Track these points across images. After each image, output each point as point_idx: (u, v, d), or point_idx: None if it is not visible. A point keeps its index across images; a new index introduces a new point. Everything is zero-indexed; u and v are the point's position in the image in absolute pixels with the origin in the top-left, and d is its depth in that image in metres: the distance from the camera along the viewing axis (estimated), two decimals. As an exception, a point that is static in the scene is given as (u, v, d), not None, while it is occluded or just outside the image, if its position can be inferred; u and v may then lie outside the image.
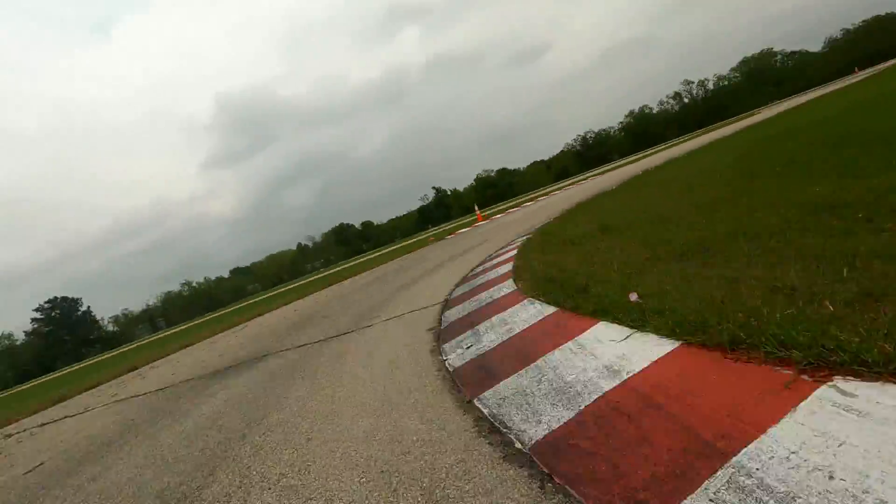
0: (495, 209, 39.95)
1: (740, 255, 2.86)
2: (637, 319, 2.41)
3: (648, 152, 56.30)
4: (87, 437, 5.36)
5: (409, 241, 38.47)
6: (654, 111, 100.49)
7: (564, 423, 1.86)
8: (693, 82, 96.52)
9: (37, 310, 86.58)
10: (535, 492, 1.51)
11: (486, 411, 2.26)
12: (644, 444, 1.52)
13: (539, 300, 3.65)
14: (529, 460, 1.71)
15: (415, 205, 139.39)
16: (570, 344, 2.60)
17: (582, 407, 1.93)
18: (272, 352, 6.36)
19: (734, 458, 1.29)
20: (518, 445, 1.84)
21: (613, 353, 2.26)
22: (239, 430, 3.35)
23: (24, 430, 8.20)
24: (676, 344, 2.05)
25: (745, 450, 1.31)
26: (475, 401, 2.42)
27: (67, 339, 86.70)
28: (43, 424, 8.14)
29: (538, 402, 2.13)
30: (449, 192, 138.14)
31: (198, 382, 6.26)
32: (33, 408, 11.11)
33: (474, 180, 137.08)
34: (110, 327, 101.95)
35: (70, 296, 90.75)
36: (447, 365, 3.20)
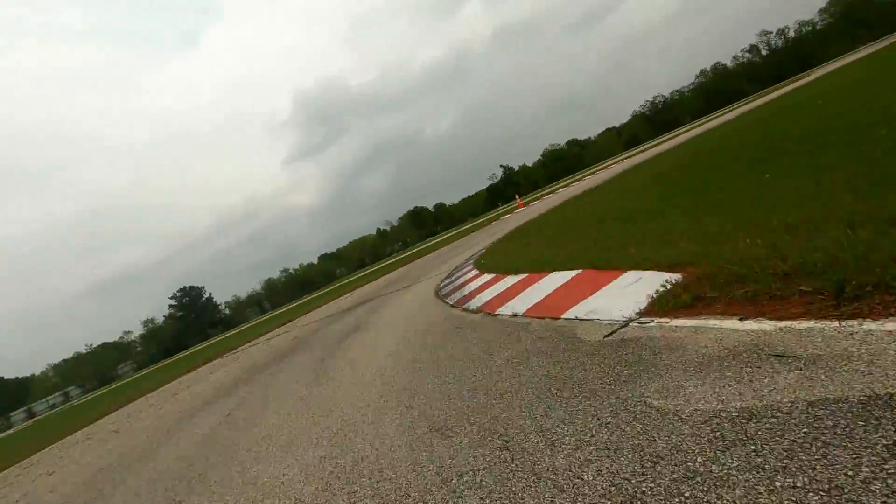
0: (538, 195, 42.98)
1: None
2: (510, 270, 6.61)
3: (721, 112, 54.78)
4: (267, 354, 10.57)
5: (468, 226, 42.83)
6: (729, 66, 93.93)
7: (461, 297, 6.20)
8: (771, 32, 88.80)
9: (172, 297, 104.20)
10: (452, 308, 5.90)
11: (448, 301, 6.65)
12: (486, 304, 5.84)
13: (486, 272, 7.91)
14: (451, 306, 6.09)
15: (484, 184, 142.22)
16: (496, 284, 6.84)
17: (467, 293, 6.24)
18: (371, 299, 11.23)
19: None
20: (449, 303, 6.23)
21: (504, 284, 6.50)
22: (356, 326, 8.05)
23: (231, 356, 14.03)
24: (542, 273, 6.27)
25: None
26: (447, 299, 6.83)
27: (196, 321, 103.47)
28: (237, 353, 13.89)
29: (458, 296, 6.47)
30: (517, 169, 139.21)
31: (331, 318, 11.28)
32: (219, 353, 17.34)
33: (542, 154, 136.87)
34: (226, 311, 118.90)
35: (194, 285, 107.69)
36: (441, 294, 7.61)
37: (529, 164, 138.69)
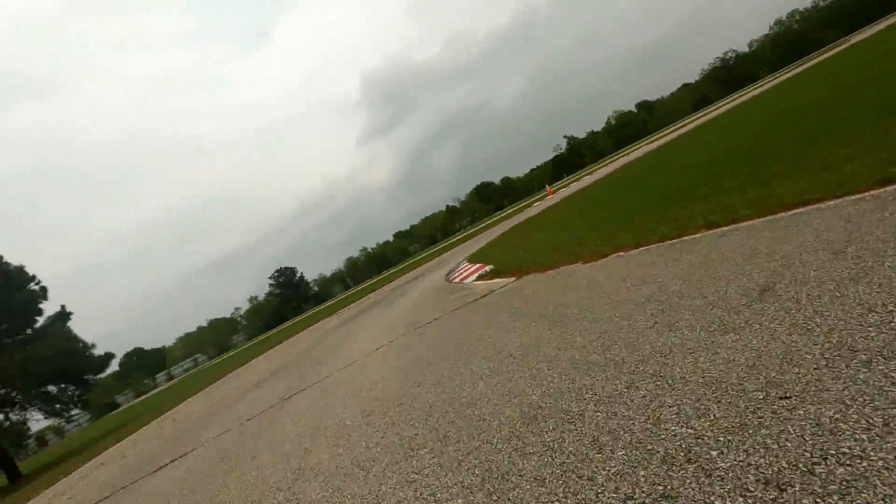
0: (570, 180, 46.14)
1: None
2: (473, 260, 12.18)
3: (795, 66, 52.83)
4: (356, 312, 16.96)
5: (517, 207, 47.33)
6: (807, 13, 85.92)
7: (452, 274, 11.91)
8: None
9: (270, 277, 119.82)
10: (448, 281, 11.66)
11: (448, 277, 12.40)
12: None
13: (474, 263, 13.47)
14: (447, 280, 11.84)
15: (550, 154, 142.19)
16: (466, 267, 12.46)
17: (456, 273, 11.92)
18: (427, 272, 17.28)
19: (459, 273, 11.30)
20: (448, 279, 12.00)
21: (467, 268, 12.12)
22: (410, 283, 14.04)
23: (335, 316, 20.92)
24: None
25: (460, 272, 11.28)
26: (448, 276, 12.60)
27: (292, 297, 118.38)
28: (339, 313, 20.71)
29: (451, 275, 12.20)
30: (584, 136, 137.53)
31: (397, 286, 17.48)
32: (328, 314, 24.46)
33: (607, 122, 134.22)
34: (315, 287, 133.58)
35: (288, 266, 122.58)
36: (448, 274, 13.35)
37: (597, 129, 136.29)
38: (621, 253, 5.24)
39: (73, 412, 31.20)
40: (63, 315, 32.23)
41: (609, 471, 1.77)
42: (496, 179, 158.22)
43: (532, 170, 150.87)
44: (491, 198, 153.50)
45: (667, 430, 1.84)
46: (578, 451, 2.00)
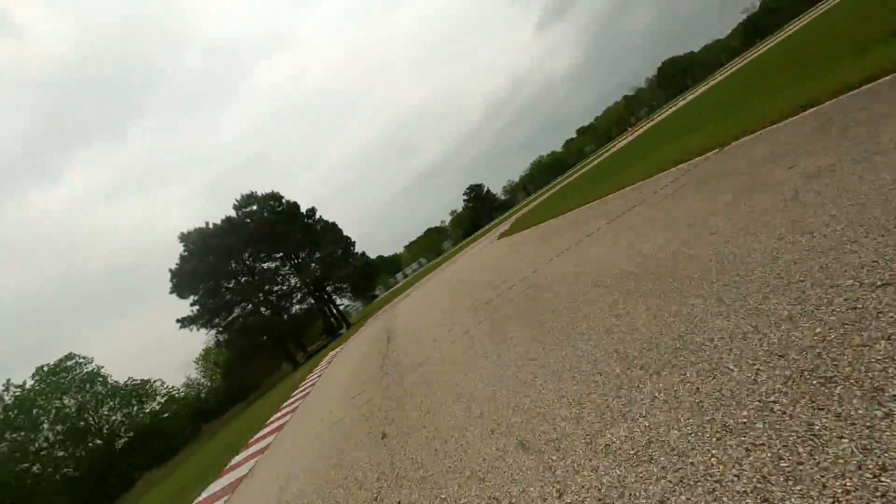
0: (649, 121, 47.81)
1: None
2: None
3: None
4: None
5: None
6: None
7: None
8: None
9: (464, 194, 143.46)
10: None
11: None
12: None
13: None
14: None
15: (738, 18, 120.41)
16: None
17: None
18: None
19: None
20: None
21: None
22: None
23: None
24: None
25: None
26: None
27: (482, 208, 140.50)
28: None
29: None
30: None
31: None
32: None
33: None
34: (502, 196, 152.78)
35: (476, 182, 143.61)
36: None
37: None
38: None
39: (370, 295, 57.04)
40: (352, 243, 56.58)
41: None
42: (682, 51, 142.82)
43: (715, 41, 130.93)
44: (671, 80, 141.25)
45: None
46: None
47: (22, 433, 34.07)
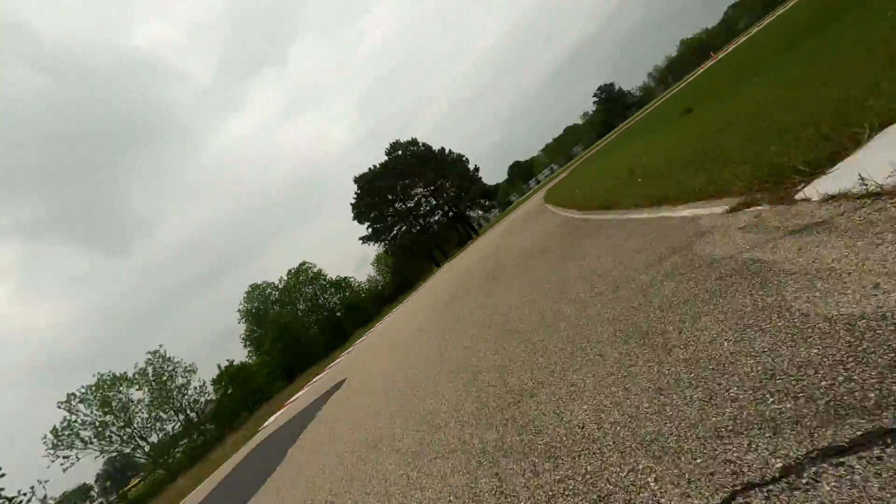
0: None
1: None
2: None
3: None
4: None
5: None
6: None
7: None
8: None
9: (594, 96, 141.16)
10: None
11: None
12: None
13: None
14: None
15: None
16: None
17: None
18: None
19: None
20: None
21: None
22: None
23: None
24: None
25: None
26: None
27: (614, 108, 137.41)
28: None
29: None
30: None
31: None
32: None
33: None
34: (638, 93, 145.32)
35: (606, 82, 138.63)
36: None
37: None
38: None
39: (493, 211, 71.31)
40: (476, 170, 70.00)
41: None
42: None
43: None
44: None
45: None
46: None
47: (288, 307, 59.04)
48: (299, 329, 54.18)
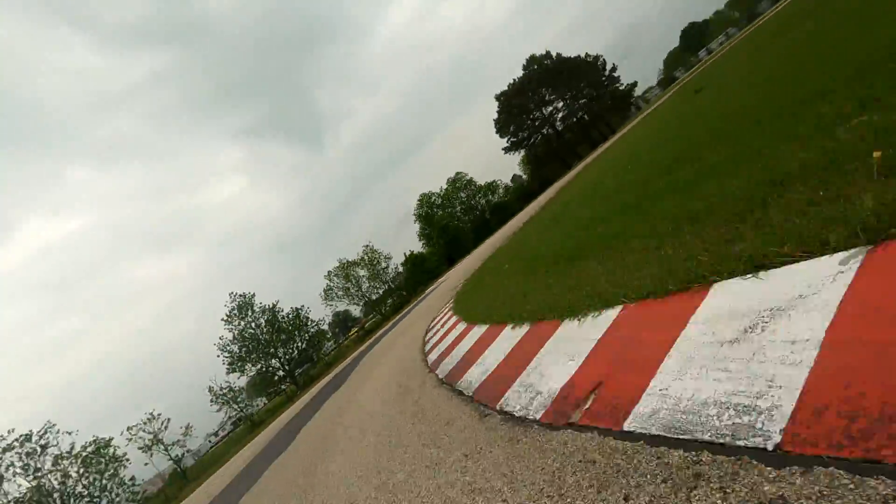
0: None
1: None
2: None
3: None
4: None
5: None
6: None
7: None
8: None
9: None
10: None
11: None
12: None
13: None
14: None
15: None
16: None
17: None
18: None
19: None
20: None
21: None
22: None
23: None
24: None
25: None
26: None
27: None
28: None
29: None
30: None
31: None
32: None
33: None
34: None
35: None
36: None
37: None
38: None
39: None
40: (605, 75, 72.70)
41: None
42: None
43: None
44: None
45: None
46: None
47: (448, 210, 76.42)
48: (456, 228, 71.43)
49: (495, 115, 75.43)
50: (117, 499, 32.86)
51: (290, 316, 49.65)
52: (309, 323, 51.07)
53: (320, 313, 59.85)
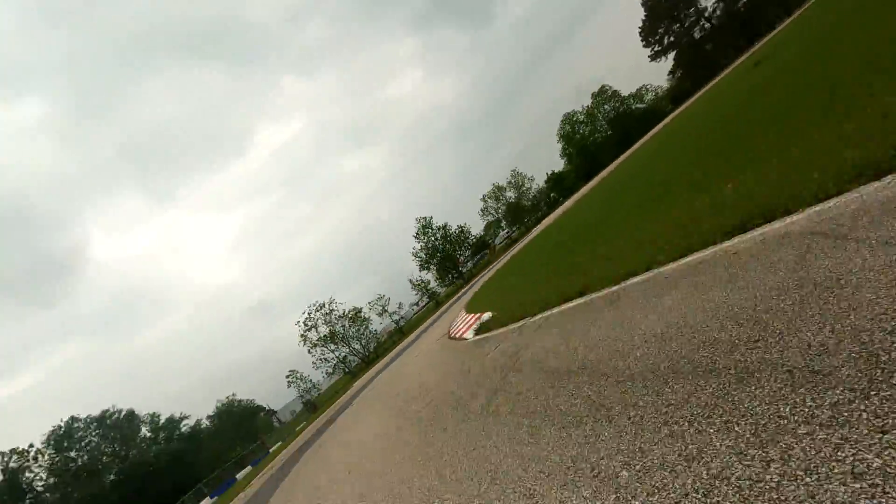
0: None
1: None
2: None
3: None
4: None
5: None
6: None
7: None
8: None
9: None
10: None
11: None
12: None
13: None
14: None
15: None
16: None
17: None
18: None
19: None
20: None
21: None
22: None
23: None
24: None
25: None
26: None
27: None
28: None
29: None
30: None
31: None
32: None
33: None
34: None
35: None
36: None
37: None
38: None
39: None
40: None
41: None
42: None
43: None
44: None
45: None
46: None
47: (590, 126, 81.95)
48: (595, 145, 77.91)
49: (640, 22, 74.30)
50: (370, 339, 59.53)
51: (457, 232, 68.63)
52: (469, 237, 69.69)
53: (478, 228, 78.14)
